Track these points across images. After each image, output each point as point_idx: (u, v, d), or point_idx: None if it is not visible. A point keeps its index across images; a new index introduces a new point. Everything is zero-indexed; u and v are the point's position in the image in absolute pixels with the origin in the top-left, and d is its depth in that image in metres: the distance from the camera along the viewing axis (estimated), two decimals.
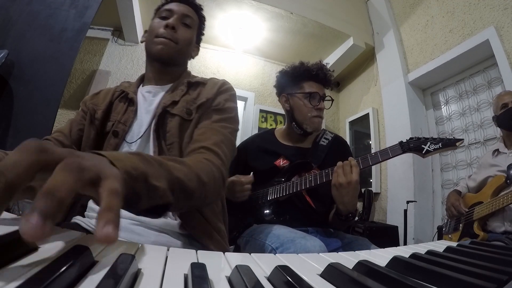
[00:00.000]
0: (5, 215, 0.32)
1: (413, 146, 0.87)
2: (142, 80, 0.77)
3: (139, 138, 0.64)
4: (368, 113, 2.99)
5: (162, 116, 0.64)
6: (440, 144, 0.85)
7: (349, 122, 3.35)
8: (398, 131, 2.52)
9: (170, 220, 0.56)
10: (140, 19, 2.76)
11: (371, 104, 3.02)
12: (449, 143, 0.85)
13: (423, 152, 0.86)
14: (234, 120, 0.67)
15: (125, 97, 0.71)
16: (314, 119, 1.05)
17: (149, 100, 0.69)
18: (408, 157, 2.29)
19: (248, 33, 2.94)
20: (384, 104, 2.77)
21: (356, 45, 2.86)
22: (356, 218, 2.65)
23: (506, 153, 1.37)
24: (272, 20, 2.76)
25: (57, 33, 1.59)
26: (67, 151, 0.23)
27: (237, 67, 3.20)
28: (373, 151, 2.86)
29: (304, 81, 1.07)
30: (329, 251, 0.94)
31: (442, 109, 2.46)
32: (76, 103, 2.59)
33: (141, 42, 0.77)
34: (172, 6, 0.72)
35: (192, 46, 0.76)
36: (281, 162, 1.05)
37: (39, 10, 1.60)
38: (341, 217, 0.92)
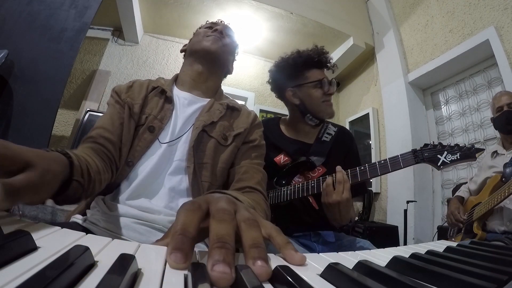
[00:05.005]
0: (6, 215, 0.32)
1: (428, 155, 0.76)
2: (175, 80, 0.78)
3: (172, 141, 0.65)
4: (368, 113, 2.99)
5: (201, 134, 0.65)
6: (458, 154, 0.73)
7: (349, 122, 3.35)
8: (398, 131, 2.52)
9: (174, 218, 0.56)
10: (140, 19, 2.76)
11: (371, 104, 3.02)
12: (469, 154, 0.72)
13: (439, 164, 0.75)
14: (264, 155, 0.78)
15: (161, 93, 0.70)
16: (327, 105, 1.00)
17: (185, 107, 0.70)
18: None
19: (248, 33, 2.94)
20: (384, 104, 2.77)
21: (356, 45, 2.86)
22: (356, 218, 2.65)
23: (504, 154, 1.38)
24: (272, 20, 2.76)
25: (57, 33, 1.59)
26: (205, 200, 0.29)
27: (237, 67, 3.19)
28: (373, 151, 2.88)
29: (307, 69, 1.01)
30: (325, 245, 0.94)
31: (442, 109, 2.46)
32: (76, 103, 2.59)
33: (181, 51, 0.84)
34: (217, 21, 0.83)
35: (232, 59, 0.85)
36: (282, 160, 1.01)
37: (39, 10, 1.60)
38: (335, 229, 0.92)
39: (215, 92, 0.78)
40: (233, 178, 0.66)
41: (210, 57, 0.74)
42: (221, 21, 0.84)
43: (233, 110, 0.75)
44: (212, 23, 0.82)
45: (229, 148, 0.69)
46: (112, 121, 0.64)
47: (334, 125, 1.09)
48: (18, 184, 0.29)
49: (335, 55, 3.11)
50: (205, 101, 0.73)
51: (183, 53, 0.83)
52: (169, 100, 0.69)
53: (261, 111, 3.21)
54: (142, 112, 0.67)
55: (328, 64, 1.04)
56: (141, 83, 0.73)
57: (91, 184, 0.48)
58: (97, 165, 0.52)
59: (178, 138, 0.65)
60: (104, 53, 2.80)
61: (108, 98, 0.71)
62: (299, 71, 1.02)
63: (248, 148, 0.72)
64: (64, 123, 2.54)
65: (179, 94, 0.73)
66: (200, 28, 0.83)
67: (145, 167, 0.62)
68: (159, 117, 0.66)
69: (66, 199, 0.43)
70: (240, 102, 0.84)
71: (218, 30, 0.76)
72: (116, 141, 0.62)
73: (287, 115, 1.13)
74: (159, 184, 0.62)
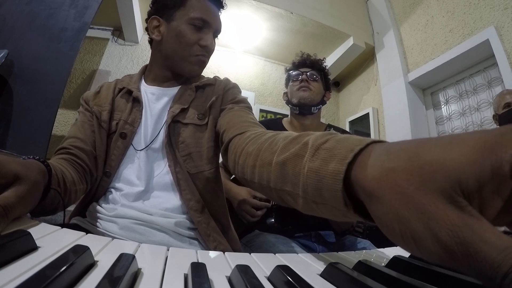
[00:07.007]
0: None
1: None
2: (143, 73, 0.72)
3: (147, 146, 0.61)
4: (368, 113, 2.99)
5: (172, 126, 0.62)
6: None
7: (349, 121, 3.35)
8: (398, 131, 2.52)
9: (172, 220, 0.56)
10: (140, 19, 2.76)
11: (371, 104, 3.02)
12: None
13: None
14: (252, 109, 0.70)
15: (128, 94, 0.66)
16: (298, 91, 1.10)
17: (153, 103, 0.66)
18: None
19: (248, 33, 2.94)
20: (384, 104, 2.77)
21: (356, 45, 2.86)
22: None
23: None
24: (272, 20, 2.76)
25: (57, 33, 1.59)
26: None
27: (237, 67, 3.20)
28: None
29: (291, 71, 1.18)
30: (326, 245, 0.94)
31: (442, 109, 2.46)
32: (76, 103, 2.58)
33: (157, 39, 0.67)
34: (208, 17, 0.65)
35: None
36: None
37: (39, 10, 1.60)
38: (337, 232, 0.94)
39: (187, 79, 0.71)
40: (224, 136, 0.57)
41: (188, 76, 0.69)
42: (213, 20, 0.67)
43: (204, 87, 0.70)
44: (202, 20, 0.64)
45: (209, 124, 0.64)
46: (84, 130, 0.61)
47: (336, 129, 1.15)
48: (10, 202, 0.28)
49: (335, 55, 3.11)
50: (175, 90, 0.67)
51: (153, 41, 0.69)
52: (137, 100, 0.64)
53: (261, 111, 3.21)
54: (112, 118, 0.63)
55: (304, 62, 1.16)
56: (108, 86, 0.69)
57: (67, 194, 0.47)
58: (72, 176, 0.50)
59: (152, 142, 0.61)
60: (104, 53, 2.80)
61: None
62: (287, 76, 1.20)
63: (229, 105, 0.66)
64: (64, 123, 2.54)
65: (147, 90, 0.67)
66: (180, 9, 0.65)
67: (127, 177, 0.59)
68: (130, 121, 0.62)
69: (42, 209, 0.41)
70: None
71: (207, 49, 0.66)
72: (90, 149, 0.59)
73: (287, 115, 1.18)
74: (149, 189, 0.60)
